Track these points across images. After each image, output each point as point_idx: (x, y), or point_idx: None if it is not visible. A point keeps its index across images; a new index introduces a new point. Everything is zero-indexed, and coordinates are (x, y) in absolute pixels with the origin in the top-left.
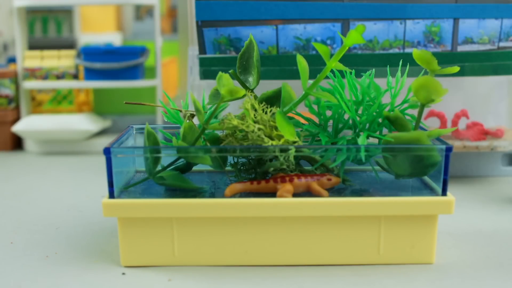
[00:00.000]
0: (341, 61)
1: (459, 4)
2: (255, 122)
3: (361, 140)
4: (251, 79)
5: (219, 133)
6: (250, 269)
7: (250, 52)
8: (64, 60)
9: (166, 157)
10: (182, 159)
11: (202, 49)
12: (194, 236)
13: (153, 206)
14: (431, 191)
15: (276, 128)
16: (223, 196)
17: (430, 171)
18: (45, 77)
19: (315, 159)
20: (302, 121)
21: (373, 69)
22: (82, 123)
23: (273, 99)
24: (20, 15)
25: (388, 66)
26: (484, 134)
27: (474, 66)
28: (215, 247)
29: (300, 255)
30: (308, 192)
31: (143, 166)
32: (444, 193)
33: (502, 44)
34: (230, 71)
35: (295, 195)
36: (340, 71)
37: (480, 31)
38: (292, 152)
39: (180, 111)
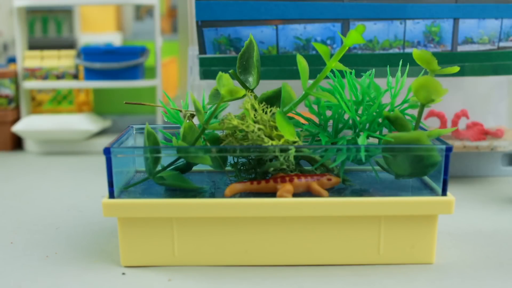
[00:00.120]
0: (341, 61)
1: (459, 4)
2: (255, 122)
3: (361, 140)
4: (251, 79)
5: (219, 133)
6: (250, 269)
7: (250, 52)
8: (64, 60)
9: (166, 157)
10: (182, 159)
11: (202, 49)
12: (194, 236)
13: (153, 206)
14: (431, 191)
15: (276, 128)
16: (223, 196)
17: (430, 171)
18: (45, 77)
19: (315, 159)
20: (302, 121)
21: (373, 69)
22: (82, 123)
23: (273, 99)
24: (20, 15)
25: (388, 66)
26: (484, 134)
27: (474, 66)
28: (215, 247)
29: (300, 255)
30: (308, 192)
31: (143, 166)
32: (444, 193)
33: (502, 44)
34: (230, 71)
35: (295, 195)
36: (340, 71)
37: (480, 31)
38: (292, 152)
39: (180, 111)
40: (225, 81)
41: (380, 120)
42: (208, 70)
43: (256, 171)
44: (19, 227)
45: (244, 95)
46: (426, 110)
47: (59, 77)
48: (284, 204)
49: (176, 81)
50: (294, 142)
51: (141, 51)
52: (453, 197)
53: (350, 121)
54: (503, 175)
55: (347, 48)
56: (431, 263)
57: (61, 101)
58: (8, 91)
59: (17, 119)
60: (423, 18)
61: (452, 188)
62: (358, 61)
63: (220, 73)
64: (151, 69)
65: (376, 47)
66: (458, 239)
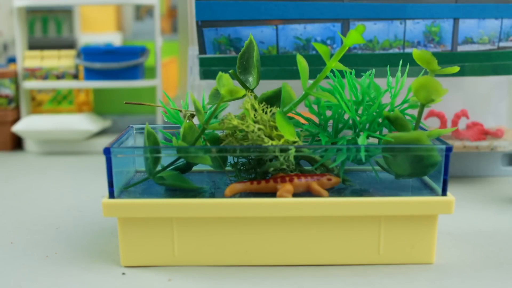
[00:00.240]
0: (341, 61)
1: (459, 4)
2: (255, 122)
3: (361, 140)
4: (251, 79)
5: (219, 133)
6: (250, 269)
7: (250, 52)
8: (64, 60)
9: (166, 157)
10: (182, 159)
11: (202, 49)
12: (194, 236)
13: (153, 206)
14: (431, 191)
15: (276, 128)
16: (223, 196)
17: (430, 171)
18: (45, 77)
19: (315, 159)
20: (302, 121)
21: (373, 69)
22: (82, 123)
23: (273, 99)
24: (20, 15)
25: (388, 66)
26: (484, 134)
27: (474, 66)
28: (215, 247)
29: (300, 255)
30: (308, 192)
31: (143, 166)
32: (444, 193)
33: (502, 44)
34: (230, 71)
35: (295, 195)
36: (340, 71)
37: (480, 31)
38: (292, 152)
39: (180, 111)
40: (225, 81)
41: (380, 120)
42: (208, 70)
43: (256, 171)
44: (19, 227)
45: (244, 95)
46: (426, 110)
47: (59, 77)
48: (284, 204)
49: (176, 81)
50: (294, 142)
51: (141, 51)
52: (453, 197)
53: (350, 121)
54: (503, 175)
55: (347, 48)
56: (431, 263)
57: (61, 101)
58: (8, 91)
59: (17, 119)
60: (423, 18)
61: (452, 188)
62: (358, 61)
63: (220, 73)
64: (151, 69)
65: (376, 47)
66: (458, 239)
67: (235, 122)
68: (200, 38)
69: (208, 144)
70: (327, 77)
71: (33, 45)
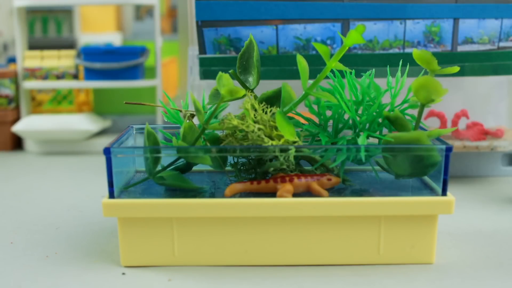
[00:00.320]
0: (341, 61)
1: (459, 4)
2: (255, 122)
3: (361, 140)
4: (251, 79)
5: (219, 133)
6: (250, 269)
7: (250, 52)
8: (64, 60)
9: (166, 157)
10: (182, 159)
11: (202, 49)
12: (194, 236)
13: (153, 206)
14: (431, 191)
15: (276, 128)
16: (223, 196)
17: (430, 171)
18: (45, 77)
19: (315, 159)
20: (302, 121)
21: (373, 69)
22: (82, 123)
23: (273, 99)
24: (20, 15)
25: (388, 66)
26: (484, 134)
27: (474, 66)
28: (215, 247)
29: (300, 255)
30: (308, 192)
31: (143, 166)
32: (444, 193)
33: (502, 44)
34: (230, 71)
35: (295, 195)
36: (340, 71)
37: (480, 31)
38: (292, 152)
39: (180, 111)
40: (225, 81)
41: (380, 120)
42: (208, 70)
43: (256, 171)
44: (19, 227)
45: (244, 95)
46: (426, 110)
47: (59, 77)
48: (284, 204)
49: (176, 81)
50: (294, 142)
51: (141, 51)
52: (453, 197)
53: (350, 121)
54: (503, 175)
55: (347, 48)
56: (431, 263)
57: (61, 101)
58: (8, 91)
59: (17, 119)
60: (423, 18)
61: (452, 188)
62: (358, 61)
63: (220, 73)
64: (151, 69)
65: (376, 47)
66: (458, 239)
67: (235, 122)
68: (200, 38)
69: (208, 144)
70: (327, 77)
71: (33, 45)
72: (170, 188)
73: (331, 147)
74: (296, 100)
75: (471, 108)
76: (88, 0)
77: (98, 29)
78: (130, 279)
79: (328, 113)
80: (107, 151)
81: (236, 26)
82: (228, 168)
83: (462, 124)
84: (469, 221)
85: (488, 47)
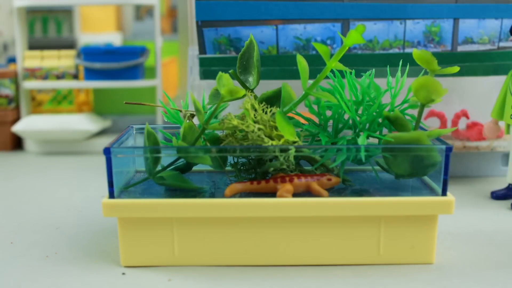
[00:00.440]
0: (341, 61)
1: (459, 4)
2: (255, 122)
3: (361, 140)
4: (251, 79)
5: (219, 133)
6: (250, 269)
7: (250, 52)
8: (64, 60)
9: (166, 157)
10: (182, 159)
11: (202, 49)
12: (194, 236)
13: (153, 206)
14: (431, 191)
15: (276, 128)
16: (223, 196)
17: (430, 171)
18: (45, 77)
19: (315, 159)
20: (302, 121)
21: (373, 69)
22: (82, 123)
23: (273, 99)
24: (20, 15)
25: (388, 66)
26: None
27: (474, 66)
28: (215, 247)
29: (300, 255)
30: (308, 192)
31: (143, 166)
32: (444, 193)
33: (502, 44)
34: (230, 71)
35: (295, 195)
36: (340, 71)
37: (480, 31)
38: (292, 152)
39: (180, 111)
40: (225, 81)
41: (380, 120)
42: (208, 70)
43: (256, 171)
44: (19, 227)
45: (244, 95)
46: (426, 110)
47: (59, 77)
48: (284, 204)
49: (176, 81)
50: (294, 142)
51: (141, 51)
52: (453, 197)
53: (350, 121)
54: (503, 175)
55: (347, 48)
56: (431, 263)
57: (61, 101)
58: (8, 91)
59: (17, 119)
60: (423, 18)
61: (452, 188)
62: (358, 61)
63: (220, 73)
64: (151, 69)
65: (376, 47)
66: (458, 239)
67: (235, 122)
68: (200, 38)
69: (208, 144)
70: (327, 77)
71: (33, 45)
72: (170, 188)
73: (331, 147)
74: (296, 100)
75: (471, 108)
76: (88, 0)
77: (98, 29)
78: (130, 279)
79: (328, 113)
80: (107, 151)
81: (236, 26)
82: (228, 168)
83: (462, 124)
84: (469, 221)
85: (488, 47)
